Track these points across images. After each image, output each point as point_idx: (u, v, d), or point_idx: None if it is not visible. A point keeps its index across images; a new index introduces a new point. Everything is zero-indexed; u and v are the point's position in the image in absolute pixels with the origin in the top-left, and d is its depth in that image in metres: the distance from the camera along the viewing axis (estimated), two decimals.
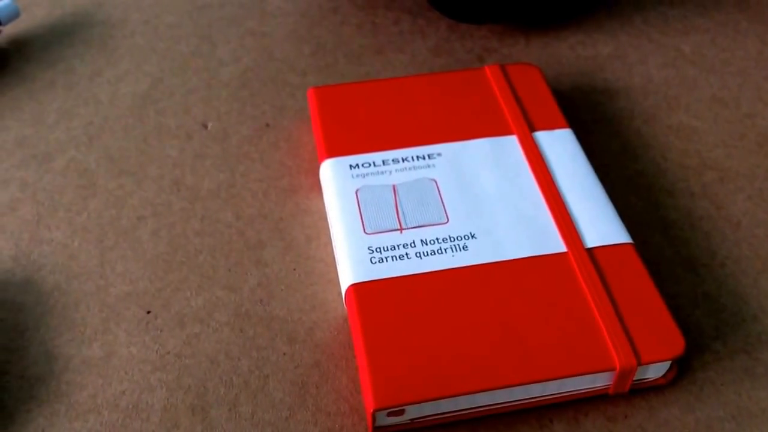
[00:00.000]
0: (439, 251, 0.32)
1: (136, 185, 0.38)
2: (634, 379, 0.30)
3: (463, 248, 0.32)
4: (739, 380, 0.31)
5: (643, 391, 0.30)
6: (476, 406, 0.29)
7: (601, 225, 0.33)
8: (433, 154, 0.36)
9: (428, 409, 0.29)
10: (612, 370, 0.29)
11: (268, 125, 0.41)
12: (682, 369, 0.31)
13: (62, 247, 0.35)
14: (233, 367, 0.31)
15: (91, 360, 0.31)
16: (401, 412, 0.28)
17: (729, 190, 0.38)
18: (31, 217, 0.36)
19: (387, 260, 0.32)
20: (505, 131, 0.37)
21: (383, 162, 0.36)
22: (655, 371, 0.30)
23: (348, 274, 0.31)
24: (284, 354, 0.31)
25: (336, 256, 0.33)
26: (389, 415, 0.28)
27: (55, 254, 0.35)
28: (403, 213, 0.33)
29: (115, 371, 0.31)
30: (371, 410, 0.27)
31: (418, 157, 0.36)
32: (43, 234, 0.36)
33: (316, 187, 0.38)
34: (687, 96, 0.43)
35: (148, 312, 0.33)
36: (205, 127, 0.41)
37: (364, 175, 0.35)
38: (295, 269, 0.34)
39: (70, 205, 0.37)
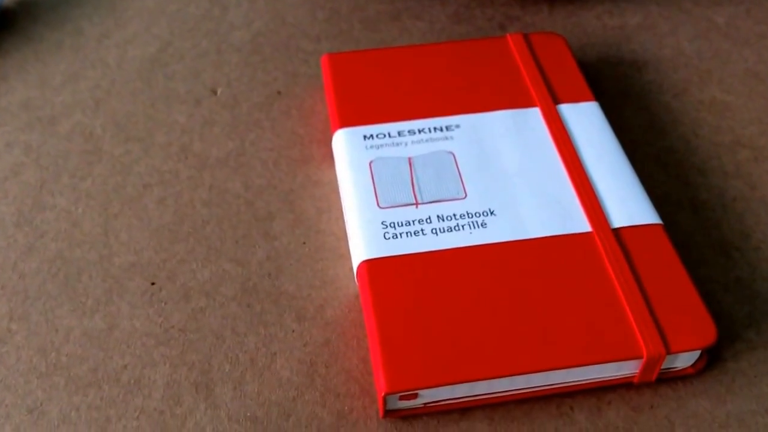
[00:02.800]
0: (456, 228, 0.30)
1: (143, 152, 0.36)
2: (661, 368, 0.29)
3: (482, 225, 0.31)
4: None
5: (671, 380, 0.29)
6: (493, 391, 0.28)
7: (629, 204, 0.31)
8: (451, 126, 0.34)
9: (442, 394, 0.27)
10: (639, 358, 0.27)
11: (279, 92, 0.39)
12: (713, 358, 0.29)
13: (66, 213, 0.34)
14: (239, 343, 0.30)
15: (93, 332, 0.30)
16: (414, 396, 0.27)
17: (764, 170, 0.36)
18: (34, 182, 0.35)
19: (401, 236, 0.30)
20: (527, 103, 0.35)
21: (399, 133, 0.34)
22: (684, 360, 0.28)
23: (360, 250, 0.30)
24: (293, 331, 0.30)
25: (348, 231, 0.31)
26: (401, 398, 0.27)
27: (59, 221, 0.33)
28: (419, 187, 0.32)
29: (117, 344, 0.30)
30: (383, 394, 0.26)
31: (435, 128, 0.34)
32: (47, 200, 0.34)
33: (329, 157, 0.36)
34: (720, 70, 0.41)
35: (153, 284, 0.31)
36: (215, 92, 0.39)
37: (378, 147, 0.33)
38: (305, 243, 0.33)
39: (74, 171, 0.35)
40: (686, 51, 0.42)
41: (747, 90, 0.40)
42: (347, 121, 0.35)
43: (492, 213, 0.31)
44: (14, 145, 0.37)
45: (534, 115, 0.35)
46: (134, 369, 0.29)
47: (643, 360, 0.27)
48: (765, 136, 0.37)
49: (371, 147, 0.33)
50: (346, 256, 0.32)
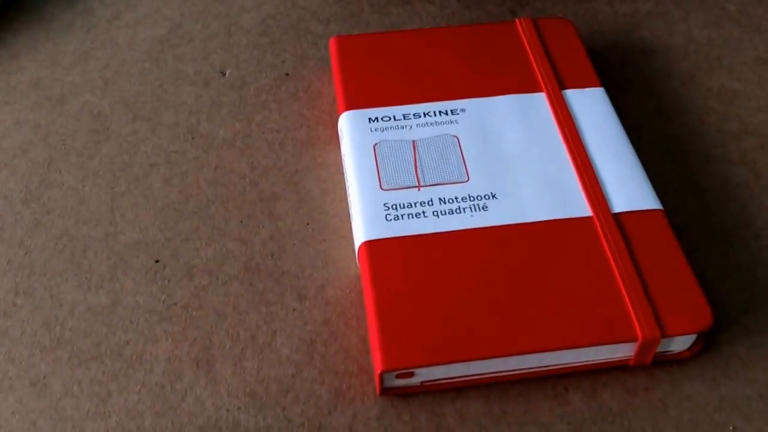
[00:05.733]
0: (458, 210, 0.31)
1: (150, 131, 0.37)
2: (657, 351, 0.29)
3: (483, 208, 0.31)
4: None
5: (666, 363, 0.29)
6: (489, 372, 0.28)
7: (630, 189, 0.31)
8: (456, 110, 0.34)
9: (439, 373, 0.28)
10: (634, 341, 0.27)
11: (287, 74, 0.39)
12: (709, 343, 0.30)
13: (72, 191, 0.34)
14: (240, 321, 0.30)
15: (97, 307, 0.30)
16: (410, 375, 0.27)
17: None
18: (42, 160, 0.36)
19: (403, 218, 0.30)
20: (533, 88, 0.35)
21: (404, 116, 0.34)
22: (679, 344, 0.29)
23: (361, 231, 0.30)
24: (294, 310, 0.30)
25: (351, 212, 0.32)
26: (398, 377, 0.27)
27: (66, 198, 0.34)
28: (422, 170, 0.32)
29: (120, 320, 0.30)
30: (379, 371, 0.26)
31: (440, 112, 0.34)
32: (54, 177, 0.35)
33: (335, 139, 0.36)
34: (730, 57, 0.41)
35: (157, 261, 0.32)
36: (223, 74, 0.39)
37: (383, 129, 0.34)
38: (308, 224, 0.33)
39: (82, 150, 0.36)
40: (696, 38, 0.42)
41: (756, 78, 0.39)
42: (353, 104, 0.35)
43: (494, 196, 0.31)
44: (23, 123, 0.37)
45: (539, 100, 0.35)
46: (136, 344, 0.29)
47: (638, 342, 0.27)
48: None
49: (376, 130, 0.34)
50: (349, 237, 0.33)
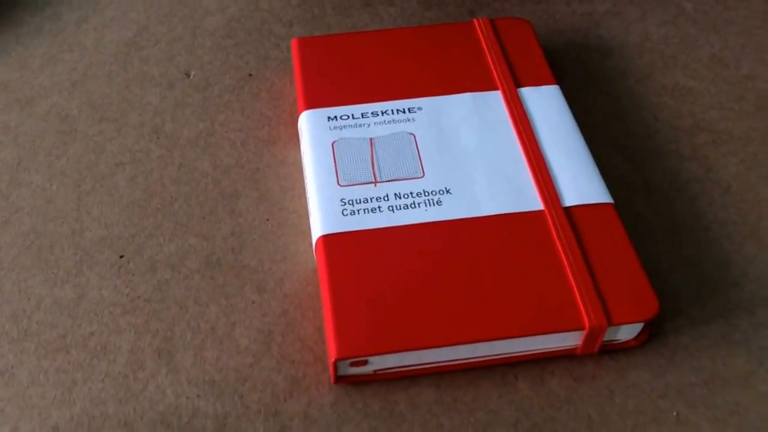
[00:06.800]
0: (413, 205, 0.32)
1: (116, 132, 0.38)
2: (605, 340, 0.30)
3: (438, 203, 0.32)
4: (714, 346, 0.30)
5: (613, 352, 0.30)
6: (440, 360, 0.29)
7: (581, 184, 0.32)
8: (413, 108, 0.35)
9: (391, 362, 0.29)
10: (581, 329, 0.28)
11: (250, 75, 0.40)
12: (656, 333, 0.31)
13: (40, 190, 0.35)
14: (201, 313, 0.31)
15: (63, 301, 0.31)
16: (364, 363, 0.28)
17: (721, 153, 0.37)
18: (11, 160, 0.36)
19: (359, 212, 0.31)
20: (489, 86, 0.36)
21: (362, 115, 0.35)
22: (626, 333, 0.30)
23: (318, 226, 0.31)
24: (252, 302, 0.31)
25: (309, 208, 0.33)
26: (352, 365, 0.28)
27: (34, 197, 0.35)
28: (379, 166, 0.33)
29: (85, 313, 0.31)
30: (333, 359, 0.27)
31: (398, 110, 0.35)
32: (23, 177, 0.36)
33: (295, 138, 0.37)
34: (685, 55, 0.42)
35: (121, 256, 0.33)
36: (188, 75, 0.40)
37: (341, 128, 0.35)
38: (268, 220, 0.34)
39: (50, 150, 0.37)
40: (653, 37, 0.43)
41: (711, 75, 0.41)
42: (313, 103, 0.36)
43: (448, 191, 0.32)
44: None
45: (495, 98, 0.36)
46: (101, 336, 0.30)
47: (586, 331, 0.28)
48: (725, 121, 0.38)
49: (335, 128, 0.35)
50: (307, 232, 0.34)
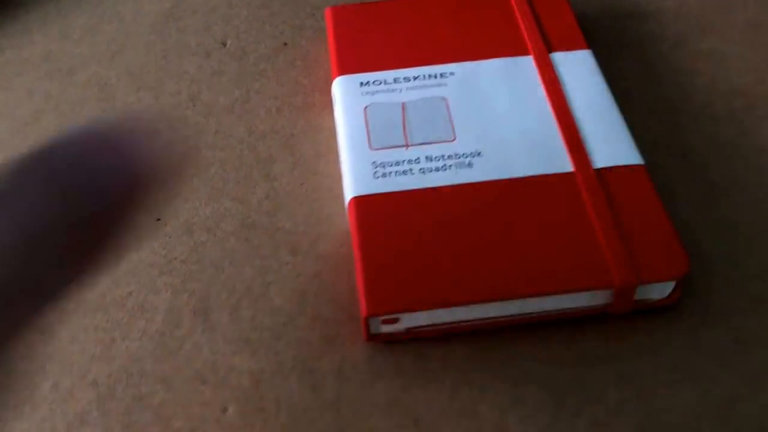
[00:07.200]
0: (444, 168, 0.32)
1: (154, 99, 0.38)
2: (637, 299, 0.30)
3: (468, 165, 0.32)
4: (749, 306, 0.30)
5: (646, 312, 0.30)
6: (471, 319, 0.29)
7: (612, 146, 0.32)
8: (445, 73, 0.36)
9: (423, 319, 0.29)
10: (610, 287, 0.28)
11: (285, 44, 0.41)
12: (690, 293, 0.30)
13: None
14: (236, 273, 0.32)
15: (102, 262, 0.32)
16: (396, 321, 0.29)
17: (757, 117, 0.36)
18: (53, 128, 0.37)
19: (390, 175, 0.32)
20: (521, 51, 0.36)
21: (394, 80, 0.35)
22: (658, 292, 0.30)
23: (351, 187, 0.31)
24: (287, 264, 0.32)
25: (342, 171, 0.33)
26: (384, 322, 0.29)
27: None
28: (410, 130, 0.33)
29: (123, 274, 0.32)
30: (365, 316, 0.28)
31: (430, 75, 0.35)
32: None
33: (329, 106, 0.38)
34: (722, 20, 0.41)
35: (158, 219, 0.33)
36: (224, 44, 0.41)
37: (374, 93, 0.35)
38: (302, 184, 0.34)
39: (90, 117, 0.38)
40: (689, 2, 0.42)
41: (747, 40, 0.40)
42: (346, 69, 0.36)
43: (479, 154, 0.32)
44: (35, 93, 0.39)
45: (527, 63, 0.36)
46: (138, 295, 0.31)
47: (615, 289, 0.28)
48: (761, 84, 0.38)
49: (367, 93, 0.35)
50: (341, 196, 0.34)
